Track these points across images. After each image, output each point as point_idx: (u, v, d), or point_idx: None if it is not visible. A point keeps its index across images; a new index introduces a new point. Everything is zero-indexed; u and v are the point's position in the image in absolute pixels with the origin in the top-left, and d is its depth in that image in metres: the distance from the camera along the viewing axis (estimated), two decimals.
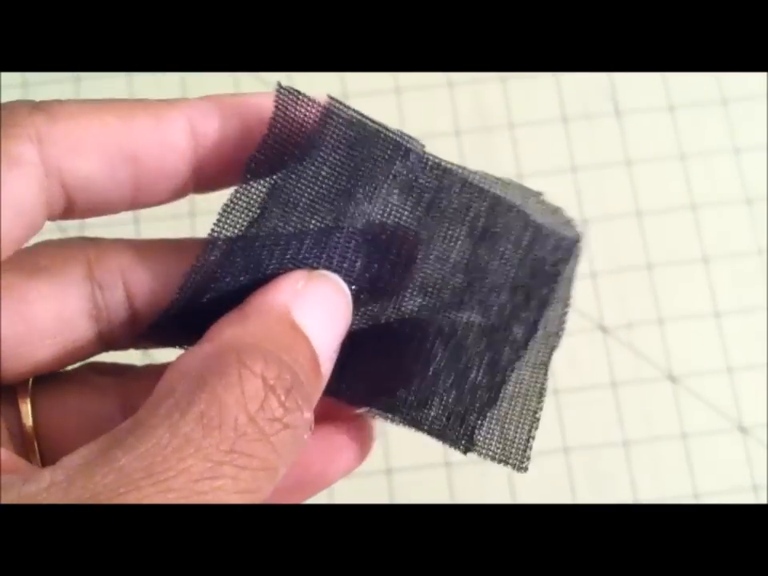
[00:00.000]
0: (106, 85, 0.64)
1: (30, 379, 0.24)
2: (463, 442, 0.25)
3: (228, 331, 0.21)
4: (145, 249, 0.24)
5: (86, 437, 0.20)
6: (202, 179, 0.24)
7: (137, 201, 0.23)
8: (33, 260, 0.23)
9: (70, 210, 0.22)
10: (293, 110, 0.23)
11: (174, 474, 0.18)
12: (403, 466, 0.57)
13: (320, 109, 0.24)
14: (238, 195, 0.23)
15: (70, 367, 0.26)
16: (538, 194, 0.27)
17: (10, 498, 0.18)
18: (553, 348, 0.27)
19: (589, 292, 0.61)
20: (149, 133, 0.22)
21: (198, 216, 0.61)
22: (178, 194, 0.23)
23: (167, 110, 0.22)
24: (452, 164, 0.26)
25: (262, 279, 0.23)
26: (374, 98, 0.64)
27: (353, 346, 0.24)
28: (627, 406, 0.59)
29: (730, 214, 0.63)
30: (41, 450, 0.24)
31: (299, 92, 0.23)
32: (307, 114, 0.23)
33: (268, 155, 0.23)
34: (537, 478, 0.58)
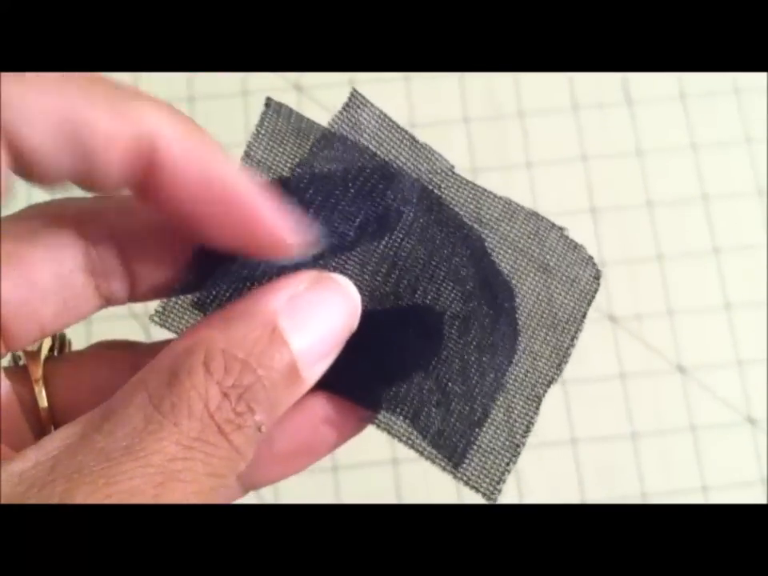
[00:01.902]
0: None
1: (42, 358, 0.26)
2: (452, 460, 0.26)
3: (207, 331, 0.22)
4: (131, 202, 0.25)
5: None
6: (147, 193, 0.23)
7: (78, 181, 0.23)
8: (25, 224, 0.24)
9: (24, 174, 0.22)
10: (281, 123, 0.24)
11: (152, 452, 0.20)
12: (410, 457, 0.57)
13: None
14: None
15: (80, 346, 0.27)
16: (561, 229, 0.28)
17: None
18: (551, 382, 0.27)
19: None
20: (101, 123, 0.22)
21: None
22: (126, 185, 0.23)
23: (127, 108, 0.22)
24: (471, 188, 0.26)
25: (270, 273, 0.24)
26: (384, 85, 0.64)
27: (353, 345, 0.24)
28: (636, 397, 0.59)
29: (742, 205, 0.63)
30: (55, 422, 0.25)
31: (280, 105, 0.25)
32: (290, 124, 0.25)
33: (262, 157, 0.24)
34: (544, 470, 0.57)
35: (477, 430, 0.26)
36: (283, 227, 0.23)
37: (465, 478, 0.26)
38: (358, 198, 0.24)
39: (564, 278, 0.27)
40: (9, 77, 0.21)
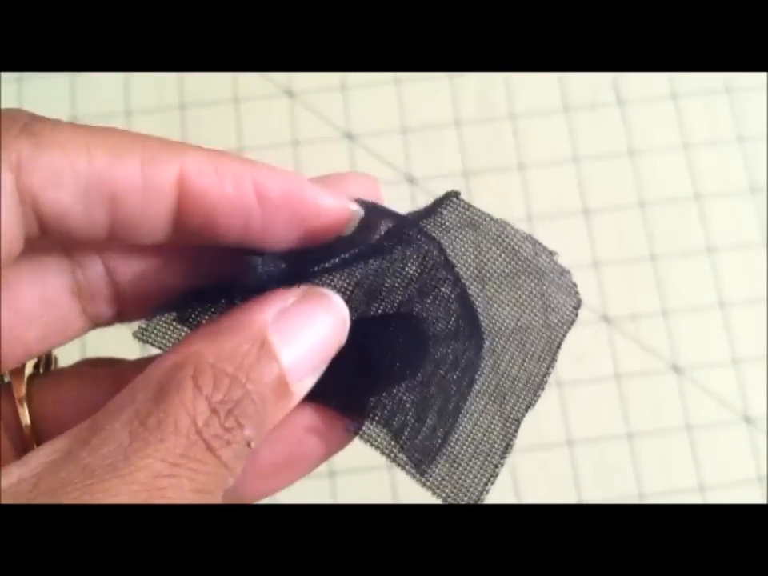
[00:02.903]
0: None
1: (26, 371, 0.25)
2: (418, 469, 0.26)
3: (195, 346, 0.22)
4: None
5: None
6: (185, 231, 0.23)
7: (113, 237, 0.23)
8: None
9: (45, 235, 0.22)
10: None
11: (136, 470, 0.19)
12: None
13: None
14: None
15: (64, 363, 0.27)
16: (551, 254, 0.28)
17: None
18: (529, 406, 0.27)
19: (593, 283, 0.61)
20: (134, 177, 0.22)
21: None
22: (157, 238, 0.23)
23: (159, 155, 0.22)
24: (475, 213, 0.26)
25: (258, 289, 0.24)
26: (375, 89, 0.64)
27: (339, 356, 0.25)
28: (632, 398, 0.59)
29: (735, 203, 0.63)
30: (38, 440, 0.25)
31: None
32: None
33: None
34: (541, 472, 0.57)
35: (446, 443, 0.26)
36: (331, 203, 0.23)
37: (443, 495, 0.26)
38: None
39: (547, 305, 0.28)
40: (31, 138, 0.20)
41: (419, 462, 0.26)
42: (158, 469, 0.19)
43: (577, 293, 0.28)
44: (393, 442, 0.26)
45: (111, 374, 0.26)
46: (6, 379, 0.25)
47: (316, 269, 0.25)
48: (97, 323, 0.25)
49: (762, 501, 0.57)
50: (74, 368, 0.27)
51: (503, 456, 0.26)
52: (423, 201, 0.54)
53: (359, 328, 0.25)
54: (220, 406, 0.21)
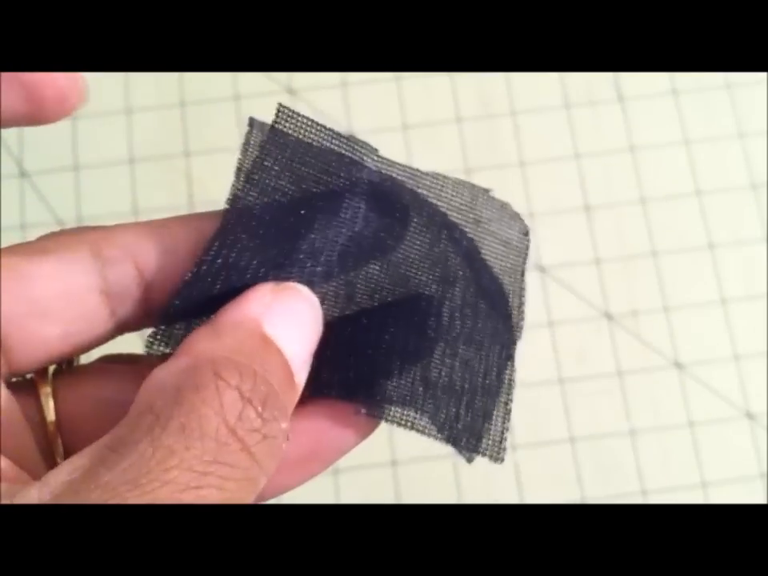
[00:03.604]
0: None
1: (50, 371, 0.24)
2: (472, 441, 0.25)
3: (201, 345, 0.21)
4: (151, 225, 0.24)
5: (106, 424, 0.20)
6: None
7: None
8: (38, 245, 0.23)
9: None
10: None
11: (160, 485, 0.18)
12: (409, 458, 0.57)
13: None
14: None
15: (85, 359, 0.26)
16: (486, 191, 0.28)
17: None
18: (515, 341, 0.27)
19: (594, 280, 0.61)
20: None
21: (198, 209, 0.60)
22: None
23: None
24: (402, 169, 0.26)
25: (232, 292, 0.23)
26: (376, 86, 0.64)
27: (326, 344, 0.24)
28: (633, 394, 0.59)
29: (735, 199, 0.63)
30: (62, 437, 0.24)
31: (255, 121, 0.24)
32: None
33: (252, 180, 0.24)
34: (544, 469, 0.57)
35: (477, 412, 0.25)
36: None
37: (468, 447, 0.25)
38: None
39: (500, 240, 0.27)
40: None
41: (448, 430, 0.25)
42: (185, 481, 0.18)
43: (521, 220, 0.28)
44: (416, 415, 0.25)
45: (132, 370, 0.25)
46: (28, 375, 0.25)
47: (301, 256, 0.24)
48: (124, 328, 0.24)
49: (763, 497, 0.57)
50: (94, 364, 0.26)
51: (509, 392, 0.26)
52: None
53: (360, 314, 0.25)
54: (254, 395, 0.20)
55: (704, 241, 0.62)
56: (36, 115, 0.21)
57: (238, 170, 0.24)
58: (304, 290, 0.24)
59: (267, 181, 0.24)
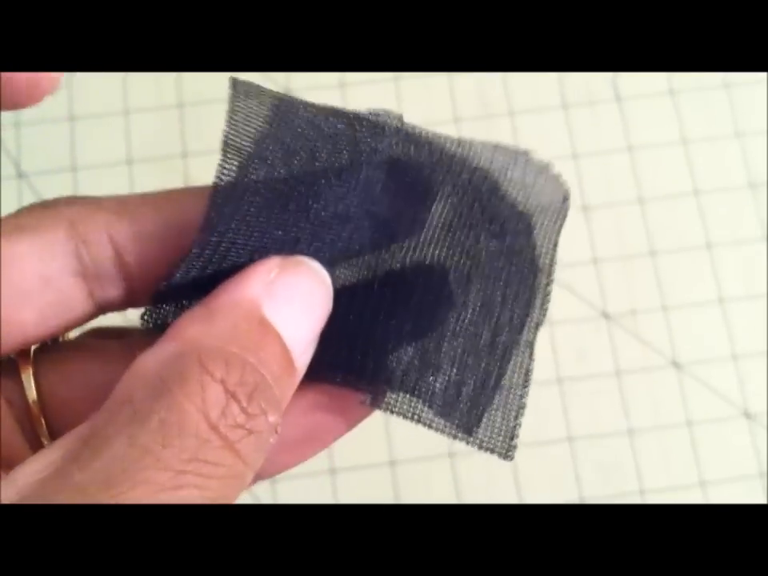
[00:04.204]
0: None
1: (32, 350, 0.23)
2: (469, 424, 0.24)
3: (191, 330, 0.20)
4: (129, 202, 0.23)
5: (91, 404, 0.19)
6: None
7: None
8: (13, 221, 0.22)
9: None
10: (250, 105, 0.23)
11: (133, 486, 0.17)
12: (407, 458, 0.57)
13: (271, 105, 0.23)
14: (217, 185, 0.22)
15: (70, 335, 0.25)
16: (525, 153, 0.26)
17: None
18: (538, 325, 0.25)
19: (592, 279, 0.61)
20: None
21: None
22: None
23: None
24: (430, 134, 0.25)
25: (235, 268, 0.22)
26: (374, 87, 0.64)
27: (332, 322, 0.23)
28: (632, 394, 0.59)
29: (734, 199, 0.63)
30: (46, 420, 0.23)
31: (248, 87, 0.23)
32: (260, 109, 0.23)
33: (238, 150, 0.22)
34: (542, 468, 0.57)
35: (489, 393, 0.24)
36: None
37: (477, 441, 0.24)
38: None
39: (535, 207, 0.25)
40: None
41: (449, 414, 0.23)
42: (161, 481, 0.17)
43: (563, 183, 0.26)
44: (416, 403, 0.23)
45: (120, 345, 0.24)
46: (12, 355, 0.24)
47: (310, 223, 0.22)
48: (105, 308, 0.23)
49: (762, 496, 0.57)
50: (80, 339, 0.25)
51: (525, 384, 0.24)
52: None
53: (357, 295, 0.23)
54: (239, 389, 0.19)
55: (702, 240, 0.62)
56: (6, 100, 0.20)
57: (225, 143, 0.22)
58: (315, 265, 0.22)
59: (273, 153, 0.23)
